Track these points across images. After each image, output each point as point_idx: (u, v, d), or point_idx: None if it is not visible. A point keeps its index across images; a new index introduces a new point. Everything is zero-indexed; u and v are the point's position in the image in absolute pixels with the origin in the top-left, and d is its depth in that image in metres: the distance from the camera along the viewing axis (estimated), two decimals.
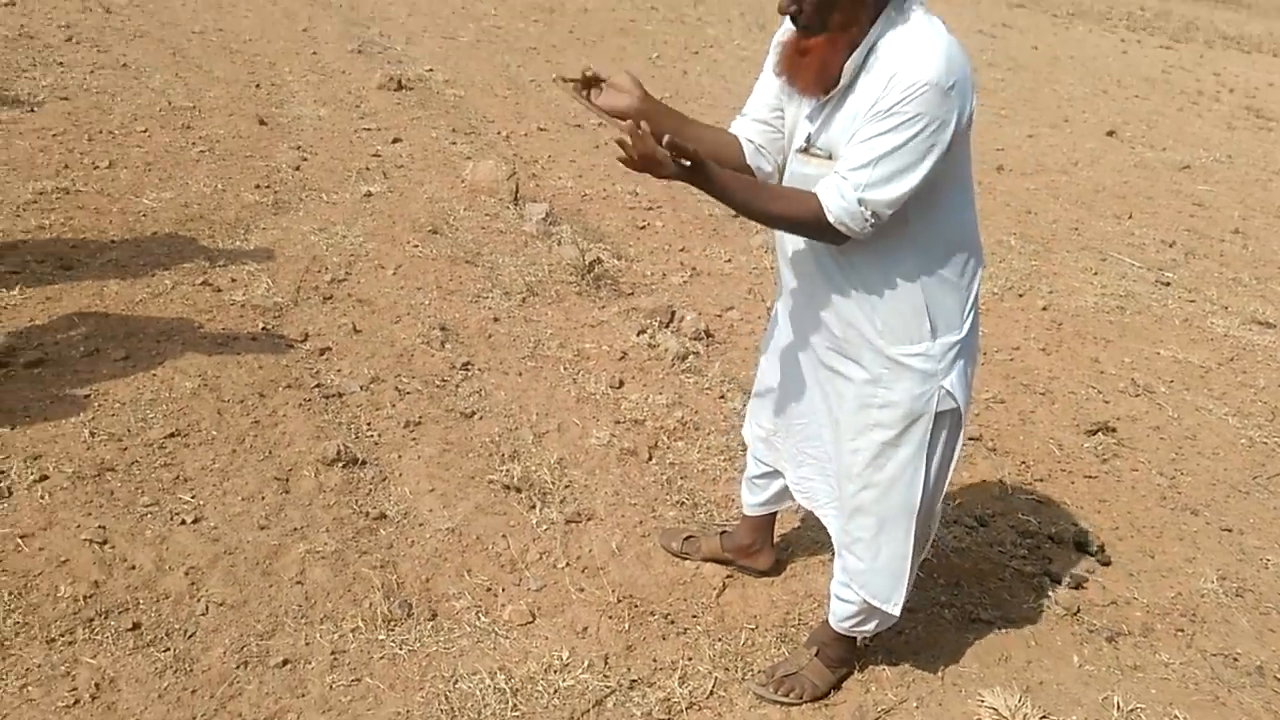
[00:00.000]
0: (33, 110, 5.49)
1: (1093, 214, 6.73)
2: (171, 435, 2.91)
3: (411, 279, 4.23)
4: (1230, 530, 3.28)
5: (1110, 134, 9.33)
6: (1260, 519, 3.37)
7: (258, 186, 4.92)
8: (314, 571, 2.50)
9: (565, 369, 3.70)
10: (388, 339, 3.71)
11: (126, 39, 7.33)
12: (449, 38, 9.30)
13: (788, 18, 1.88)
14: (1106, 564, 3.01)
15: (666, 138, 1.78)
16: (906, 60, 1.78)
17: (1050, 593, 2.84)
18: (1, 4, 7.68)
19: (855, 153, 1.82)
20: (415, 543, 2.68)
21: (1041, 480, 3.45)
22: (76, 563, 2.37)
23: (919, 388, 2.03)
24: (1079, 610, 2.78)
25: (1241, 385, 4.38)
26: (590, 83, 1.99)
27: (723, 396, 3.66)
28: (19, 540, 2.42)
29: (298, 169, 5.26)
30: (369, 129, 6.16)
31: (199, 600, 2.35)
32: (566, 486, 3.01)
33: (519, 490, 2.94)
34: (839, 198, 1.84)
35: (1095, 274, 5.56)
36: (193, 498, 2.68)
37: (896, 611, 2.24)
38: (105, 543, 2.45)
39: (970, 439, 3.63)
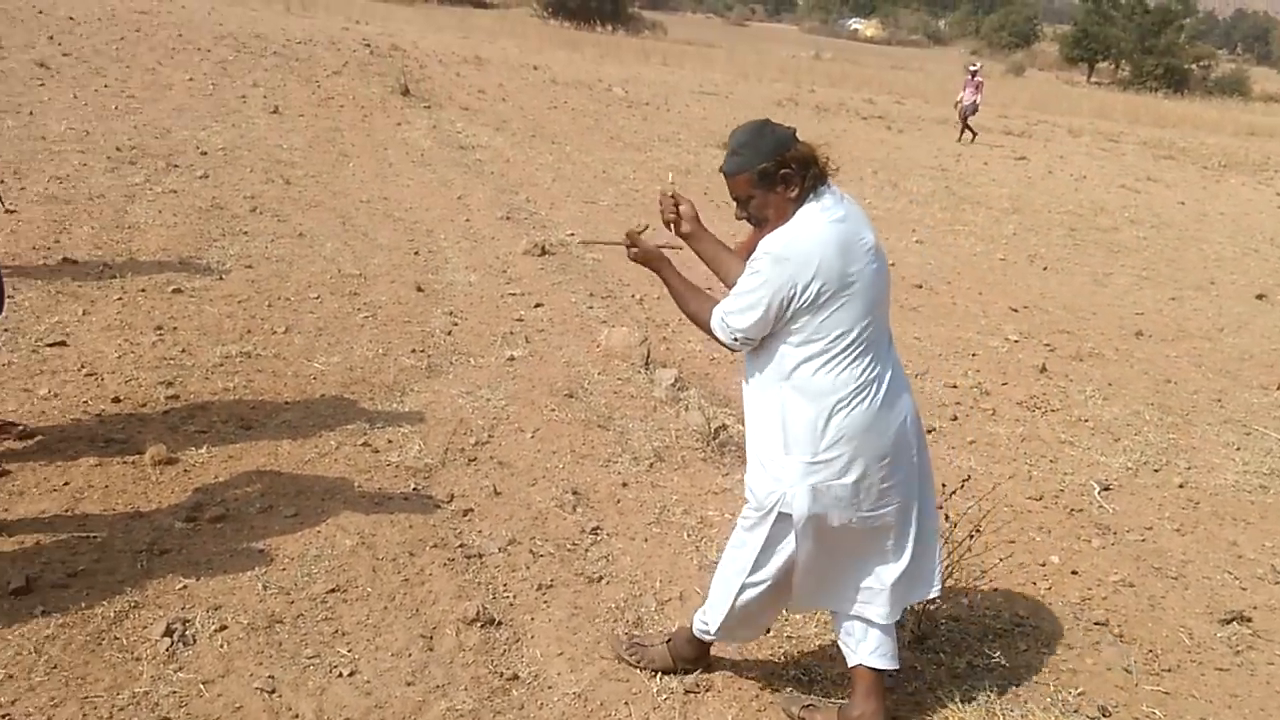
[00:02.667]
0: (221, 278, 6.17)
1: (1238, 384, 6.61)
2: (332, 590, 3.22)
3: (548, 442, 4.53)
4: None
5: (1260, 297, 9.15)
6: None
7: (414, 351, 5.39)
8: None
9: (689, 536, 3.89)
10: (524, 501, 3.99)
11: (303, 209, 8.14)
12: (589, 202, 9.95)
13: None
14: None
15: (645, 230, 2.87)
16: (773, 232, 2.52)
17: None
18: (197, 176, 8.66)
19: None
20: (544, 705, 2.86)
21: (1170, 670, 3.40)
22: (249, 710, 2.66)
23: (768, 485, 2.62)
24: None
25: None
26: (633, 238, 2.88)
27: None
28: (201, 686, 2.73)
29: (449, 334, 5.73)
30: (514, 294, 6.65)
31: None
32: None
33: None
34: (718, 310, 2.61)
35: (1238, 449, 5.46)
36: (349, 651, 2.95)
37: (701, 622, 2.90)
38: (274, 692, 2.74)
39: (1096, 624, 3.62)
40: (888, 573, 2.70)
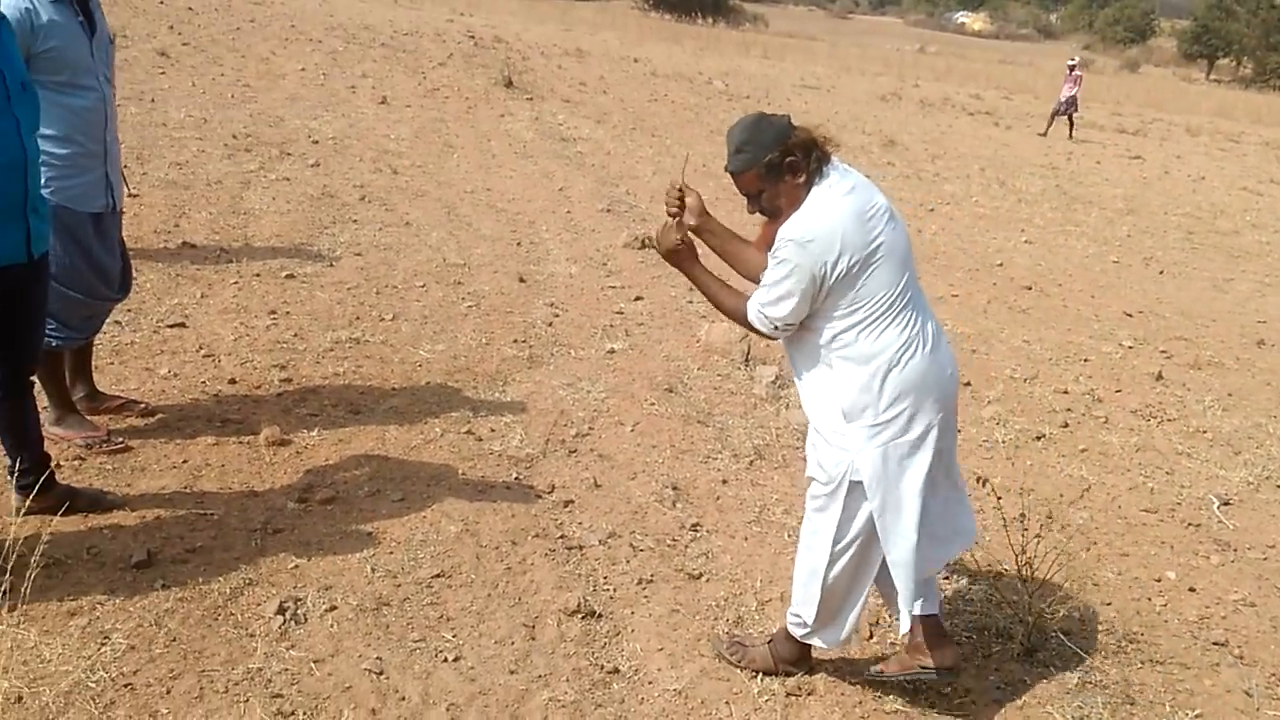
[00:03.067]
0: (331, 265, 6.32)
1: None
2: (437, 576, 3.27)
3: (647, 436, 4.53)
4: None
5: None
6: None
7: (516, 341, 5.44)
8: (555, 719, 2.72)
9: (789, 536, 3.83)
10: (624, 495, 3.99)
11: (410, 198, 8.28)
12: None
13: None
14: None
15: (678, 221, 2.79)
16: (790, 219, 2.56)
17: None
18: (308, 165, 8.89)
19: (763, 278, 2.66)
20: (645, 700, 2.86)
21: None
22: (357, 690, 2.72)
23: (834, 456, 2.66)
24: None
25: None
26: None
27: (947, 577, 3.68)
28: (312, 665, 2.80)
29: (550, 325, 5.77)
30: (614, 286, 6.66)
31: None
32: None
33: None
34: (753, 304, 2.66)
35: None
36: (453, 637, 2.99)
37: (794, 617, 2.86)
38: (381, 673, 2.79)
39: (1214, 644, 3.47)
40: (929, 524, 2.71)
